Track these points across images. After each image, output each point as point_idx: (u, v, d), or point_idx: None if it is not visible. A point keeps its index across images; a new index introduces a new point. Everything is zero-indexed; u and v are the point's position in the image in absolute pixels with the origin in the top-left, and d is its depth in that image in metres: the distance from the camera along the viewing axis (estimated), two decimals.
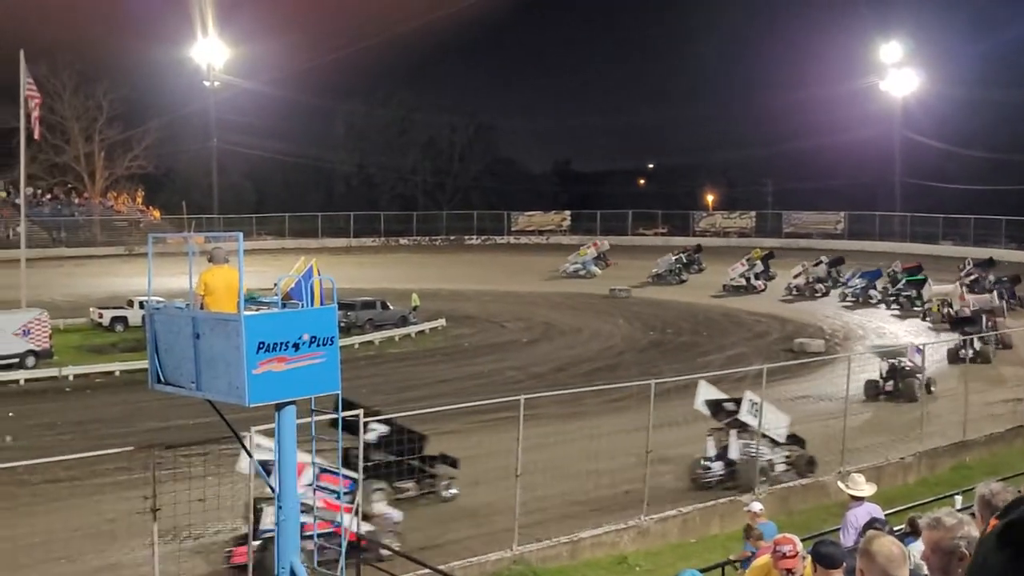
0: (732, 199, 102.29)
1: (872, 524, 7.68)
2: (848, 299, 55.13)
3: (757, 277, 60.86)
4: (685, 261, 66.80)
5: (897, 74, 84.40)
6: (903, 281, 53.76)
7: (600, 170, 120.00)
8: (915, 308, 50.80)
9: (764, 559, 9.67)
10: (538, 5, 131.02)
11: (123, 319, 46.32)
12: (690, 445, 23.46)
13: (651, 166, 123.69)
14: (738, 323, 50.94)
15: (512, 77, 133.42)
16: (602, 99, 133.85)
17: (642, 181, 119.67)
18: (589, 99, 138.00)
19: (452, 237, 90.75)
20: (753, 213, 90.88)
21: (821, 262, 60.86)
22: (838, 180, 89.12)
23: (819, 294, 57.19)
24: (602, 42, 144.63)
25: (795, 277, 58.95)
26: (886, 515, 13.35)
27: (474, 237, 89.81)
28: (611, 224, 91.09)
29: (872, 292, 55.06)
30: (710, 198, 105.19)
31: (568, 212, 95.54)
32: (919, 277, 53.68)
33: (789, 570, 8.83)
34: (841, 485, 14.01)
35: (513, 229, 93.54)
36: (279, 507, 11.40)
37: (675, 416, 23.79)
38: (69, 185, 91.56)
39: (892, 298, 53.30)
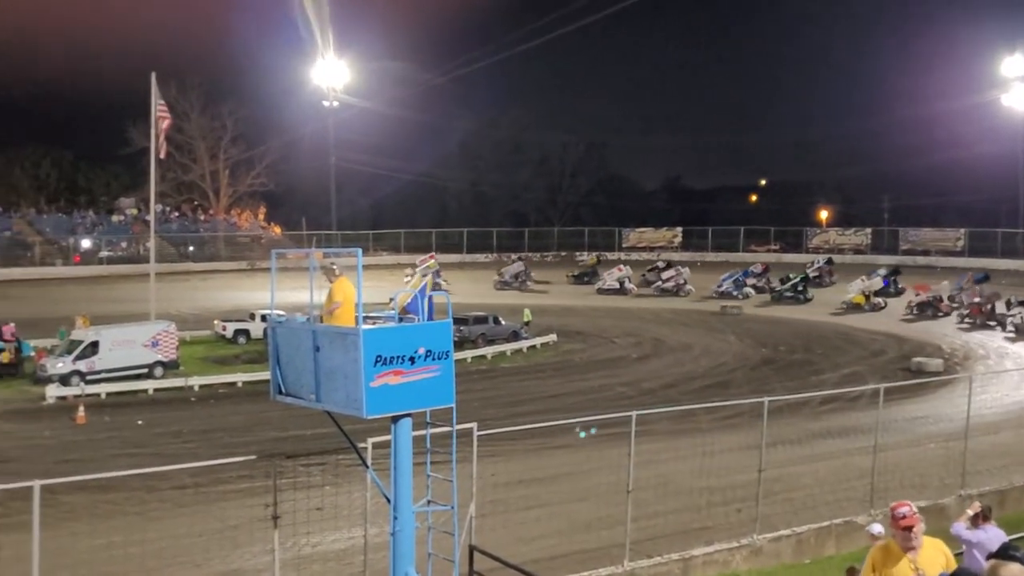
0: (847, 216, 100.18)
1: (1006, 551, 7.52)
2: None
3: (877, 294, 59.56)
4: (809, 276, 66.13)
5: (1021, 88, 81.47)
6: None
7: (711, 186, 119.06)
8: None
9: (880, 543, 9.56)
10: (649, 25, 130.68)
11: (245, 332, 47.75)
12: (803, 464, 23.11)
13: (763, 182, 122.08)
14: (853, 341, 49.89)
15: (624, 95, 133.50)
16: (714, 115, 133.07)
17: (754, 197, 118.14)
18: (701, 115, 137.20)
19: (563, 253, 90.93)
20: (869, 230, 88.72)
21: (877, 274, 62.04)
22: (959, 196, 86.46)
23: (941, 314, 55.67)
24: (714, 59, 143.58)
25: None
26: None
27: (585, 253, 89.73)
28: (722, 241, 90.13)
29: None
30: (823, 214, 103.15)
31: (679, 229, 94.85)
32: None
33: (908, 528, 8.71)
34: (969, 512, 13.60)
35: (624, 245, 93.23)
36: (394, 517, 11.67)
37: (788, 434, 23.47)
38: (195, 202, 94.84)
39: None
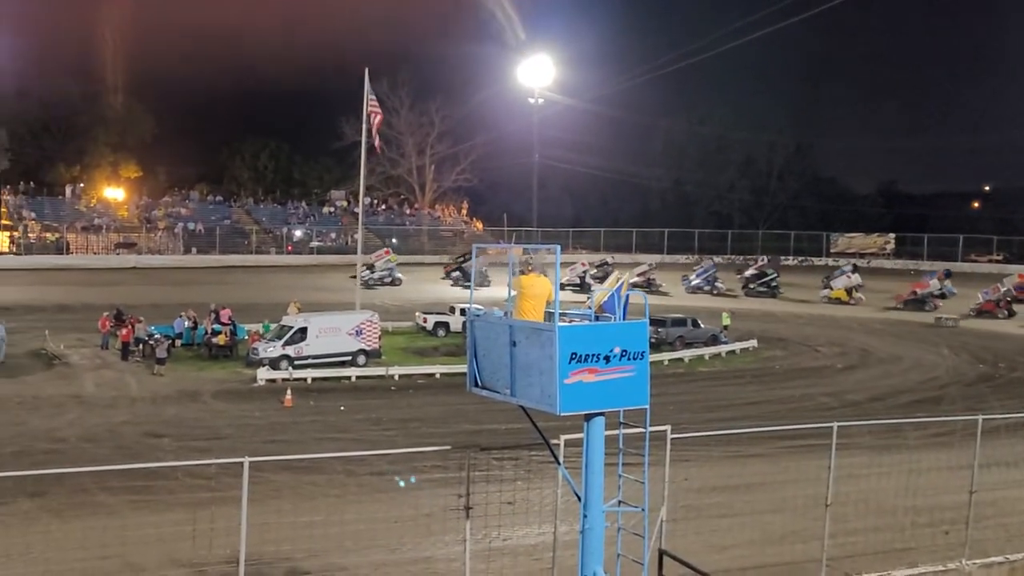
0: None
1: None
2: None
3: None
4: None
5: None
6: None
7: (929, 192, 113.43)
8: None
9: None
10: (859, 24, 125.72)
11: (445, 324, 48.79)
12: (1020, 488, 21.65)
13: (987, 188, 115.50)
14: None
15: (834, 96, 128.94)
16: (933, 117, 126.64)
17: (976, 204, 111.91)
18: (918, 117, 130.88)
19: (768, 257, 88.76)
20: None
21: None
22: None
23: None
24: (931, 58, 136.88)
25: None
26: None
27: (790, 257, 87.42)
28: (940, 249, 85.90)
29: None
30: None
31: (892, 235, 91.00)
32: None
33: None
34: None
35: (832, 251, 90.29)
36: (584, 516, 11.59)
37: (1005, 456, 22.02)
38: (402, 196, 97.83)
39: None
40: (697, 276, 70.40)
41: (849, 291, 65.62)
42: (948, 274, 66.44)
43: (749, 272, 72.20)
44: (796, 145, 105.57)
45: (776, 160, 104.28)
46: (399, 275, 67.40)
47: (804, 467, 20.35)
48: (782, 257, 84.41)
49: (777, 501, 20.36)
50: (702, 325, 49.16)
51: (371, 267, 66.92)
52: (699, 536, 17.80)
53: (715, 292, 68.28)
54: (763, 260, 76.49)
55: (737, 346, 47.92)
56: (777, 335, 52.29)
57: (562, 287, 59.99)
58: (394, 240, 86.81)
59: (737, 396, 38.09)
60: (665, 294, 65.91)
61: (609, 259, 70.49)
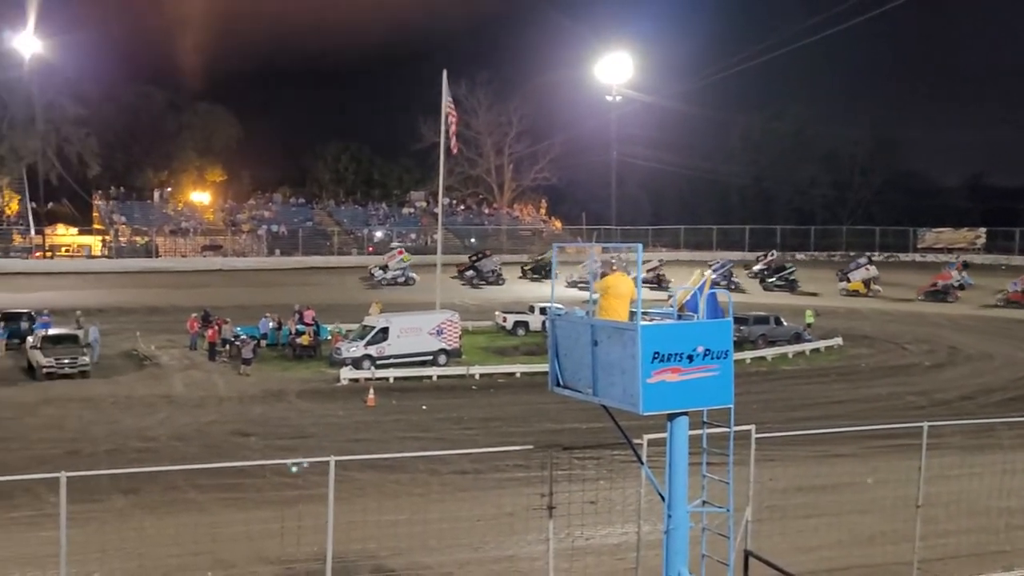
0: None
1: None
2: None
3: None
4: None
5: None
6: None
7: (1019, 184, 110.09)
8: None
9: None
10: (945, 13, 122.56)
11: (524, 323, 48.90)
12: None
13: None
14: None
15: (918, 87, 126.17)
16: (1021, 107, 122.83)
17: None
18: (1008, 106, 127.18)
19: (852, 253, 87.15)
20: None
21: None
22: None
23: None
24: (1020, 46, 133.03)
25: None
26: None
27: (876, 253, 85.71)
28: None
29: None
30: None
31: (983, 230, 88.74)
32: None
33: None
34: None
35: (919, 246, 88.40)
36: (668, 515, 11.54)
37: None
38: (480, 196, 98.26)
39: None
40: (713, 272, 69.09)
41: (867, 283, 66.27)
42: (965, 265, 69.21)
43: (757, 267, 72.95)
44: (879, 138, 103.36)
45: (859, 154, 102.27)
46: (413, 275, 67.66)
47: (892, 467, 20.01)
48: (794, 254, 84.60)
49: (865, 502, 20.03)
50: (785, 323, 48.53)
51: (385, 267, 67.57)
52: (785, 537, 17.57)
53: (731, 288, 67.51)
54: (773, 255, 76.30)
55: (822, 344, 47.20)
56: (862, 332, 51.37)
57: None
58: (474, 239, 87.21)
59: (822, 395, 37.54)
60: (743, 291, 65.10)
61: (657, 261, 69.54)
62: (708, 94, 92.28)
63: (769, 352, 45.11)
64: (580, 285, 64.79)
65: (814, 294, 65.58)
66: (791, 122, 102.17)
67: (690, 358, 10.96)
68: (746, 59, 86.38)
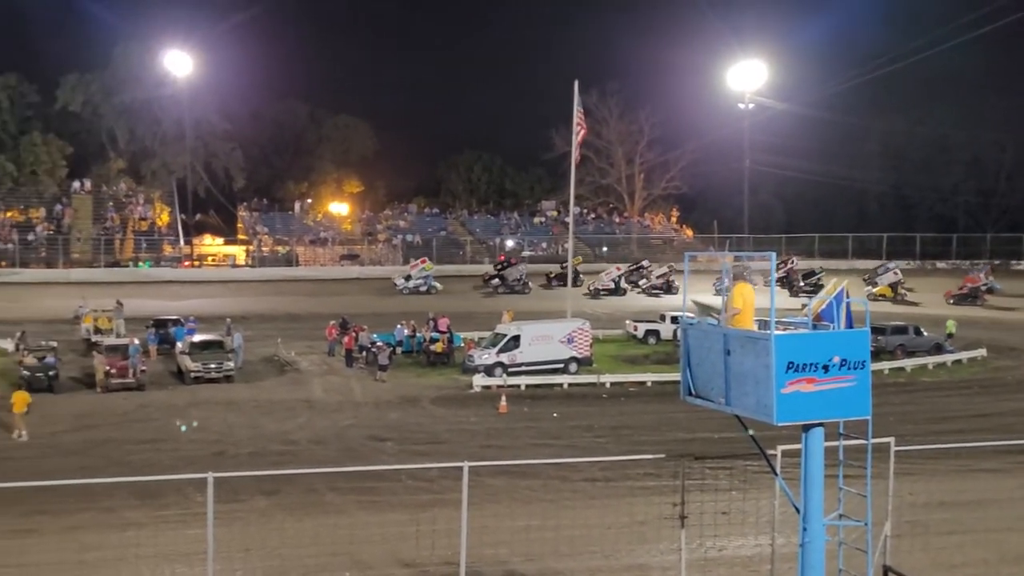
0: None
1: None
2: None
3: None
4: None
5: None
6: None
7: None
8: None
9: None
10: None
11: (655, 332, 48.61)
12: None
13: None
14: None
15: None
16: None
17: None
18: None
19: (996, 261, 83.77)
20: None
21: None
22: None
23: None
24: None
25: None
26: None
27: (1023, 262, 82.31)
28: None
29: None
30: None
31: None
32: None
33: None
34: None
35: None
36: (803, 528, 11.43)
37: None
38: (611, 205, 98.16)
39: None
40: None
41: (894, 287, 65.47)
42: (992, 269, 69.88)
43: (778, 274, 69.79)
44: None
45: (1006, 160, 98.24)
46: (436, 284, 67.57)
47: None
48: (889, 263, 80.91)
49: (1012, 519, 19.37)
50: (925, 333, 47.06)
51: (408, 277, 67.78)
52: (925, 553, 17.14)
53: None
54: (793, 262, 72.77)
55: (964, 355, 45.55)
56: (1007, 344, 49.35)
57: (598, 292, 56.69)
58: (605, 248, 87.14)
59: (964, 408, 36.29)
60: (914, 303, 63.06)
61: (667, 267, 69.34)
62: (845, 100, 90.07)
63: (908, 363, 43.80)
64: (603, 293, 66.11)
65: (915, 303, 63.15)
66: (934, 127, 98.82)
67: (826, 368, 10.86)
68: (886, 63, 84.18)
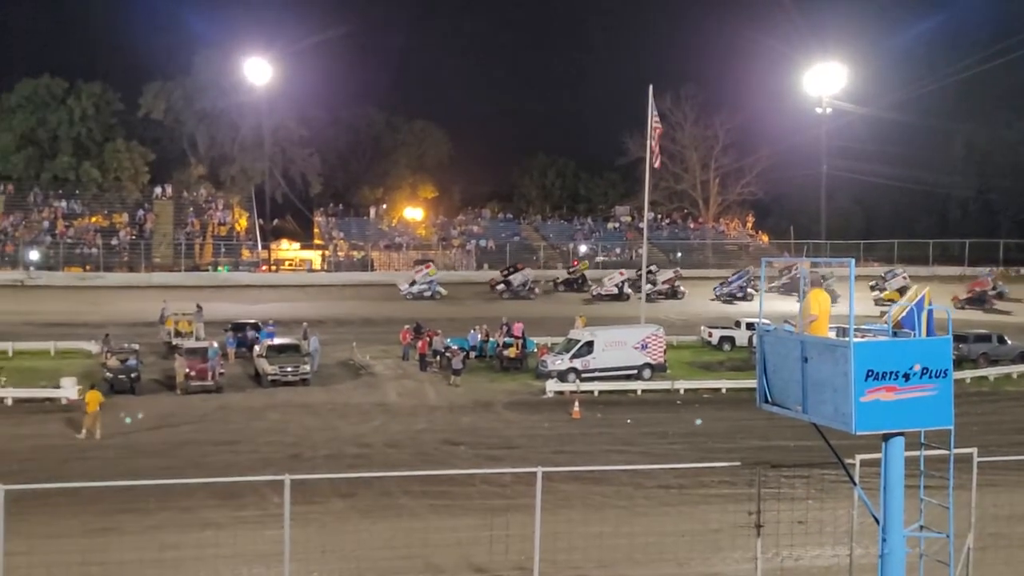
0: None
1: None
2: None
3: None
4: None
5: None
6: None
7: None
8: None
9: None
10: None
11: (730, 339, 48.14)
12: None
13: None
14: None
15: None
16: None
17: None
18: None
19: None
20: None
21: None
22: None
23: None
24: None
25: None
26: None
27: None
28: None
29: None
30: None
31: None
32: None
33: None
34: None
35: None
36: (883, 539, 11.23)
37: None
38: (685, 210, 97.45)
39: None
40: (729, 284, 67.44)
41: (901, 292, 62.84)
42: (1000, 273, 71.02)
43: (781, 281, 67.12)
44: None
45: None
46: (440, 289, 67.13)
47: None
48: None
49: None
50: (1009, 341, 45.91)
51: (413, 282, 67.49)
52: (1009, 567, 16.75)
53: (745, 298, 64.97)
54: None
55: None
56: None
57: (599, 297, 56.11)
58: (679, 254, 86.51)
59: None
60: (1007, 313, 61.54)
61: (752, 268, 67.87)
62: (927, 103, 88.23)
63: (991, 372, 42.79)
64: (605, 296, 65.46)
65: (1006, 313, 61.41)
66: (1021, 131, 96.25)
67: (906, 376, 10.67)
68: (970, 66, 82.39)
